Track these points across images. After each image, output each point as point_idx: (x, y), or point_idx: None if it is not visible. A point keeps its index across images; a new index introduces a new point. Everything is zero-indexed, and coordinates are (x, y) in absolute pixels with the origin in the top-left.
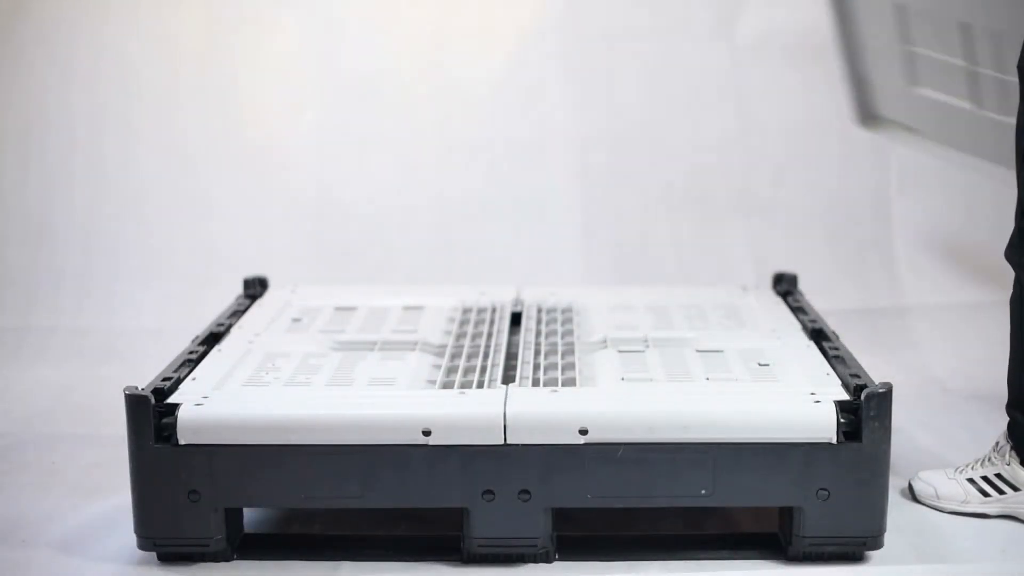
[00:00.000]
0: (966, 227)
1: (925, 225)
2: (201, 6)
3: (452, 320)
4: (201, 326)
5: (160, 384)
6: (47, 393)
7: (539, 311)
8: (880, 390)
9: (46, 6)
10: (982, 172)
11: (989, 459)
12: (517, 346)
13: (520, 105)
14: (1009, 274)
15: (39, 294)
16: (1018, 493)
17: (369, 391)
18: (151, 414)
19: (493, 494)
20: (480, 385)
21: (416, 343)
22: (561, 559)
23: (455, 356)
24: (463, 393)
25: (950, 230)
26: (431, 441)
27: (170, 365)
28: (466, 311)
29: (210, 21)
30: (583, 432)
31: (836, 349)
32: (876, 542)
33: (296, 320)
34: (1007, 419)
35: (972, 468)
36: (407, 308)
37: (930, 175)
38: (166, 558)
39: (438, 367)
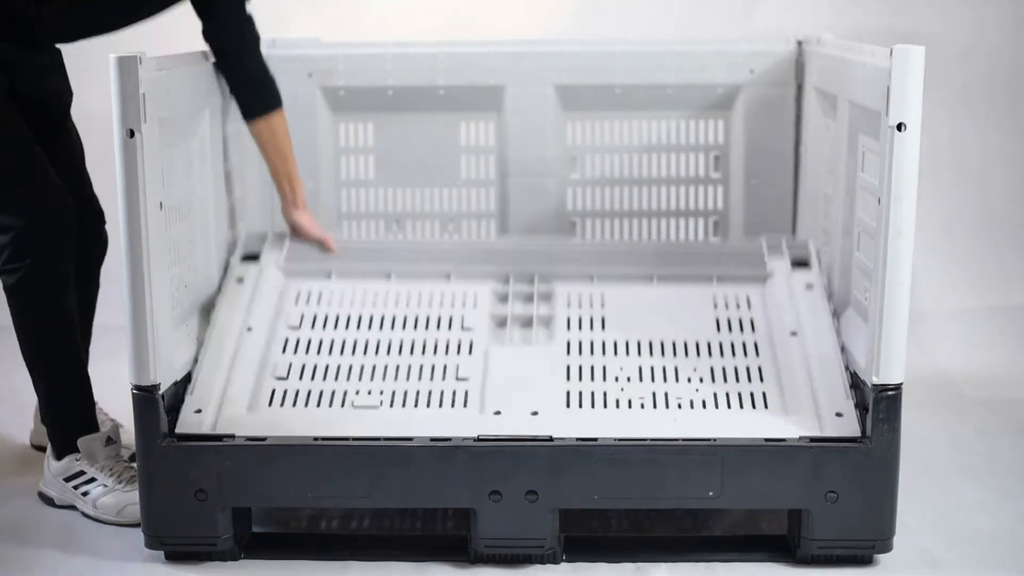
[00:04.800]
0: (980, 229)
1: (938, 227)
2: None
3: None
4: None
5: None
6: None
7: None
8: (890, 392)
9: None
10: None
11: None
12: None
13: None
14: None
15: None
16: None
17: None
18: (159, 412)
19: (500, 495)
20: None
21: None
22: (568, 560)
23: None
24: None
25: (964, 232)
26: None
27: None
28: None
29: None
30: None
31: None
32: (885, 545)
33: None
34: None
35: None
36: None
37: (943, 175)
38: (173, 557)
39: None
